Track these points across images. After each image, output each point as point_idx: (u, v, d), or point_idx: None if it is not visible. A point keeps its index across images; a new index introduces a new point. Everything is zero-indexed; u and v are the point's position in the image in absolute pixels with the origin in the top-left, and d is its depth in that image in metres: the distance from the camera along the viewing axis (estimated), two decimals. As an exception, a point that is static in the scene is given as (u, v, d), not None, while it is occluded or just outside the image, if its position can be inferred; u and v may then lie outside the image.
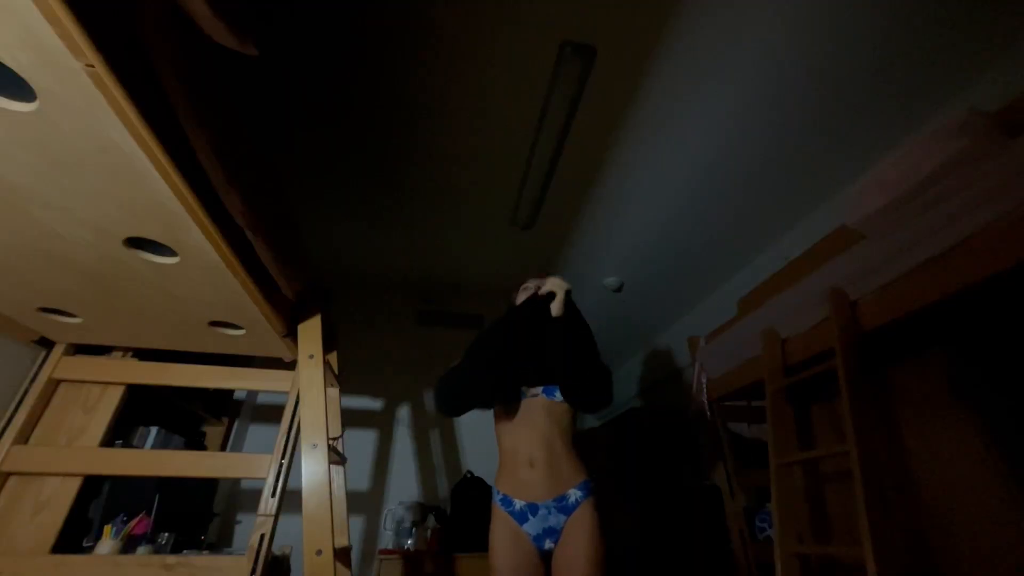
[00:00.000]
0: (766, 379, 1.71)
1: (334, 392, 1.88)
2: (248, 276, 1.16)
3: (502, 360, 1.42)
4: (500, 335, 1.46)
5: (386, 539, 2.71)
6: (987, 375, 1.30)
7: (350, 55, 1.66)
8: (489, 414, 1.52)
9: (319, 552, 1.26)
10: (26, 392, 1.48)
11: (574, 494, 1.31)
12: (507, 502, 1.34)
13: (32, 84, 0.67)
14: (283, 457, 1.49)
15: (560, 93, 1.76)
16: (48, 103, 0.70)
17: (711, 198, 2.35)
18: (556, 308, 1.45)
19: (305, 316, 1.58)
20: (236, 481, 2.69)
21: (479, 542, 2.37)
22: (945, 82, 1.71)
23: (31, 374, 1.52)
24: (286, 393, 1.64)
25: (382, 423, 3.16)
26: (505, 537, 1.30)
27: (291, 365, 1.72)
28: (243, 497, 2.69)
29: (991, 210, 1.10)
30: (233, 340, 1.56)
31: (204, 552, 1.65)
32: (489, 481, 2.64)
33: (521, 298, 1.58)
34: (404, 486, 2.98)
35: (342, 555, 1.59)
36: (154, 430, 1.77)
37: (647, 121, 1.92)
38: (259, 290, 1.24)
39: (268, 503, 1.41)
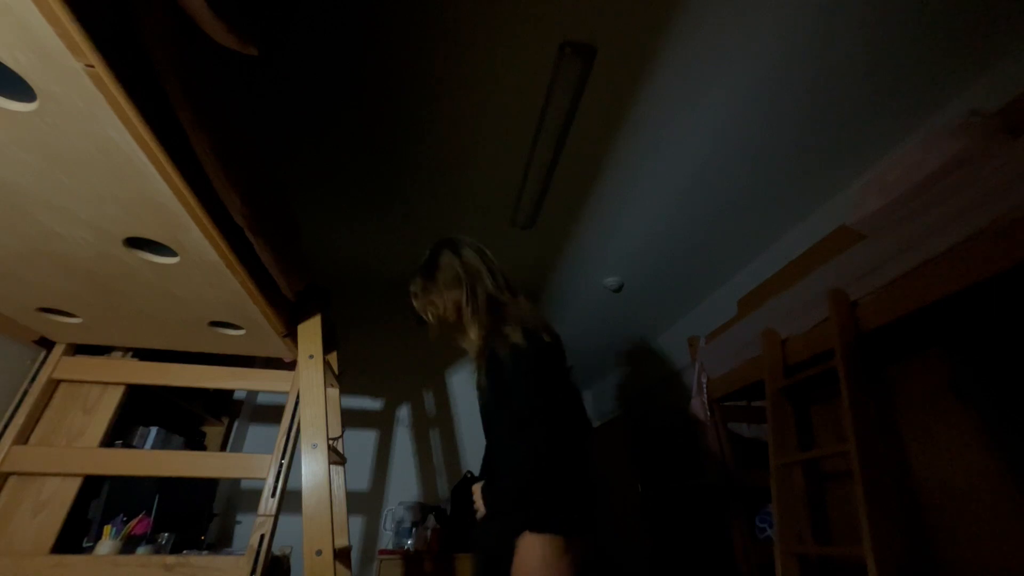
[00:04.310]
0: (766, 379, 1.71)
1: (334, 392, 1.88)
2: (248, 276, 1.16)
3: None
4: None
5: (386, 539, 2.72)
6: (987, 375, 1.30)
7: (351, 55, 1.66)
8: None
9: (319, 552, 1.26)
10: (26, 392, 1.48)
11: None
12: None
13: (32, 84, 0.67)
14: (283, 457, 1.49)
15: (560, 93, 1.75)
16: (48, 103, 0.70)
17: (711, 198, 2.35)
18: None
19: (305, 316, 1.58)
20: (236, 481, 2.68)
21: (479, 542, 2.37)
22: (945, 83, 1.71)
23: (31, 374, 1.51)
24: (286, 393, 1.64)
25: (382, 423, 3.16)
26: None
27: (291, 365, 1.72)
28: (243, 497, 2.69)
29: (991, 210, 1.10)
30: (233, 340, 1.56)
31: (204, 552, 1.64)
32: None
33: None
34: (404, 486, 2.98)
35: (342, 555, 1.59)
36: (154, 430, 1.77)
37: (647, 121, 1.92)
38: (259, 290, 1.24)
39: (268, 503, 1.41)
